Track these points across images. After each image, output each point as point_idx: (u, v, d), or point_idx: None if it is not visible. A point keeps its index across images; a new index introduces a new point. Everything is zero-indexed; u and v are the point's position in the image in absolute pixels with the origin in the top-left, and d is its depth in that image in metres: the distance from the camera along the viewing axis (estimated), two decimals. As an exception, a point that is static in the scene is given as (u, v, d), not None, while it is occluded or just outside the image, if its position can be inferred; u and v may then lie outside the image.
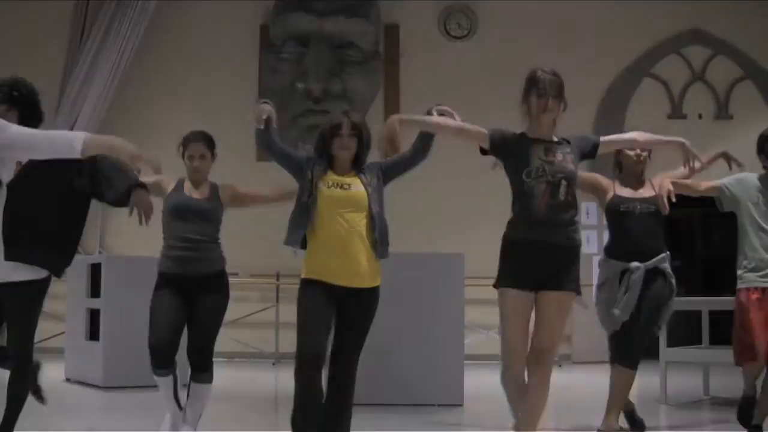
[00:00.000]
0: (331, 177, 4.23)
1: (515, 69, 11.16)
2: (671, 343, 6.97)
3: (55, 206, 3.91)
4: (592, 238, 10.92)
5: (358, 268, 4.14)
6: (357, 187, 4.23)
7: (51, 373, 8.48)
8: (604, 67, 10.91)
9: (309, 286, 4.17)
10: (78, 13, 11.12)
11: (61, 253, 4.05)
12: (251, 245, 10.42)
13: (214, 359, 4.89)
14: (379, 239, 4.19)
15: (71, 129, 10.75)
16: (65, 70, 11.03)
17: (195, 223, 4.86)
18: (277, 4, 11.06)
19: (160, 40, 11.12)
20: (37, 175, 3.87)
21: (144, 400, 6.94)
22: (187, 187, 4.97)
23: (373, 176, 4.30)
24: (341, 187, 4.21)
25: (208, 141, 5.03)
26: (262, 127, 4.28)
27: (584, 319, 10.69)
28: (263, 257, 10.73)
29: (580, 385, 9.13)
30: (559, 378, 9.53)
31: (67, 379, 8.25)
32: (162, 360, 4.72)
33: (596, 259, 10.86)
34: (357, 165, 4.33)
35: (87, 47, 10.93)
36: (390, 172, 4.40)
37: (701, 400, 7.27)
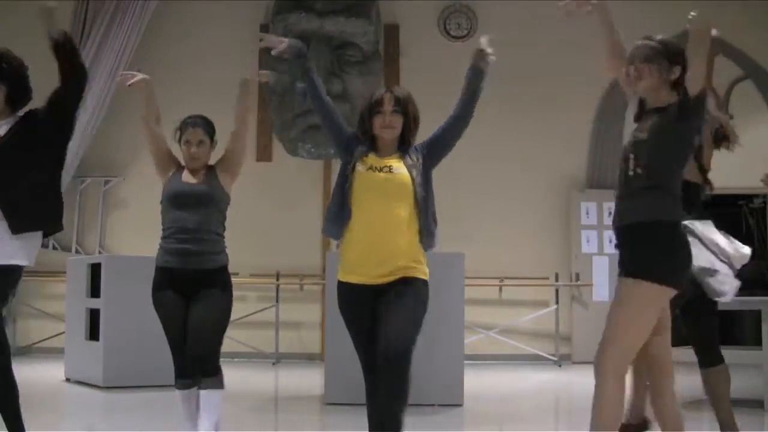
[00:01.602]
0: (371, 159, 3.79)
1: (515, 69, 11.27)
2: (671, 343, 6.95)
3: (39, 166, 3.91)
4: (592, 238, 10.93)
5: (392, 264, 3.70)
6: (400, 169, 3.77)
7: (51, 373, 8.54)
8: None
9: (342, 291, 3.81)
10: (78, 13, 11.11)
11: (56, 213, 4.01)
12: (251, 245, 10.42)
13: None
14: (425, 228, 3.77)
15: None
16: (65, 70, 11.03)
17: (193, 210, 4.47)
18: (277, 4, 11.05)
19: (159, 40, 11.12)
20: (19, 138, 3.87)
21: (144, 400, 6.94)
22: (185, 174, 4.61)
23: (418, 157, 3.83)
24: (381, 170, 3.75)
25: (208, 126, 4.65)
26: (283, 49, 3.92)
27: (584, 319, 10.71)
28: (263, 257, 10.75)
29: (580, 385, 9.12)
30: (559, 378, 9.54)
31: (67, 379, 8.25)
32: (187, 368, 4.37)
33: (596, 259, 11.00)
34: (403, 146, 3.86)
35: (87, 47, 10.92)
36: (435, 146, 3.91)
37: (701, 400, 7.26)
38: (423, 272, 3.79)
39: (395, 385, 3.58)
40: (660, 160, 3.56)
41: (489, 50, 3.99)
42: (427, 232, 3.79)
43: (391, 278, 3.72)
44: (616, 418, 3.40)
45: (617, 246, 3.66)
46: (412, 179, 3.77)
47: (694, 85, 3.52)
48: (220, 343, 4.46)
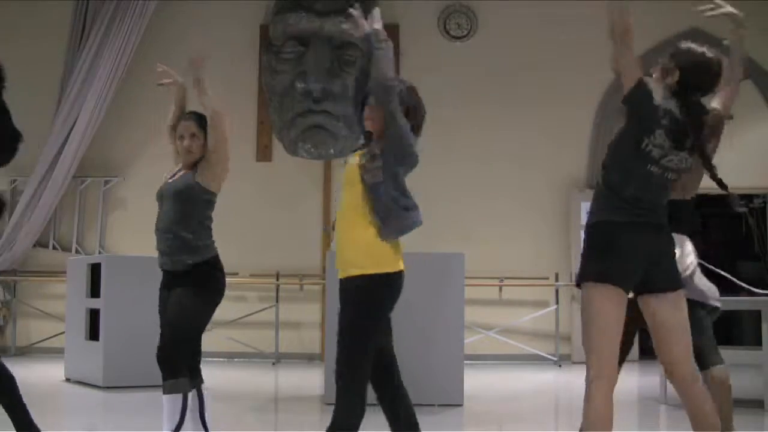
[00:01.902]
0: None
1: (515, 69, 11.25)
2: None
3: None
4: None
5: (341, 255, 3.63)
6: (351, 159, 3.69)
7: (51, 373, 8.54)
8: (604, 67, 10.87)
9: None
10: (78, 13, 11.11)
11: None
12: (251, 245, 10.42)
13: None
14: (378, 218, 3.56)
15: (71, 129, 10.77)
16: (65, 70, 11.03)
17: (168, 208, 4.38)
18: (277, 4, 11.05)
19: (160, 40, 11.11)
20: None
21: (144, 400, 6.94)
22: (178, 174, 4.54)
23: (379, 144, 3.63)
24: (344, 164, 3.75)
25: (200, 120, 4.56)
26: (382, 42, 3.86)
27: (584, 319, 10.71)
28: (263, 257, 10.74)
29: (580, 385, 9.10)
30: (559, 378, 9.55)
31: (67, 379, 8.25)
32: (165, 369, 4.18)
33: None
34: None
35: (87, 47, 10.92)
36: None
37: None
38: (363, 267, 3.60)
39: (336, 401, 3.63)
40: (609, 161, 3.56)
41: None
42: (382, 221, 3.56)
43: (344, 274, 3.66)
44: (606, 418, 3.40)
45: None
46: (361, 166, 3.60)
47: (626, 79, 3.54)
48: (178, 343, 4.22)
